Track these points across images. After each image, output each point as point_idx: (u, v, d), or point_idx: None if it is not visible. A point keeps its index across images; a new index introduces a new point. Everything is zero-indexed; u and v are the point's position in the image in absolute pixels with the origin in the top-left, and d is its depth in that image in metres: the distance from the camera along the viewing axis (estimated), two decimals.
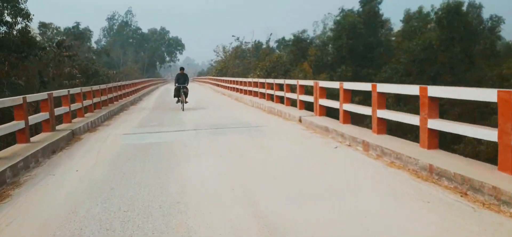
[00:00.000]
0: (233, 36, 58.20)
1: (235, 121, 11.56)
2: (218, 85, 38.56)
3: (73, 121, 11.31)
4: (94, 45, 61.49)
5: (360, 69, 29.11)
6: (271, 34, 63.42)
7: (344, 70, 28.20)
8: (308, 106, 12.00)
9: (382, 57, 30.48)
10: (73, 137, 9.40)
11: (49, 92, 9.74)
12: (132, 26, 78.27)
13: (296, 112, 11.77)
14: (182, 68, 16.69)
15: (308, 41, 40.17)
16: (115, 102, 18.80)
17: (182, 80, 15.90)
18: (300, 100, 12.50)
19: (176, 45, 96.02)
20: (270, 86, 17.18)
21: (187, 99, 15.77)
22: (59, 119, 10.59)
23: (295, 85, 13.30)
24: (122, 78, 42.92)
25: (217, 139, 8.70)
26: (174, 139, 8.80)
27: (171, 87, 48.91)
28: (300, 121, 10.75)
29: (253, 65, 57.24)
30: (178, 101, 16.06)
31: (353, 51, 30.55)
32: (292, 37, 42.11)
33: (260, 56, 58.80)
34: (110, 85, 18.47)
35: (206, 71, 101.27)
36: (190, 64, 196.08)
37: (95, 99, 15.05)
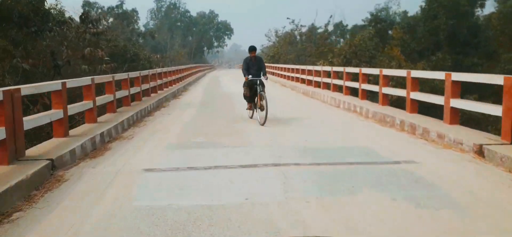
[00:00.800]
0: (287, 18, 52.74)
1: (346, 146, 6.57)
2: (272, 73, 33.69)
3: (72, 133, 6.85)
4: (142, 28, 58.68)
5: (462, 58, 22.77)
6: (331, 16, 57.30)
7: (440, 58, 22.19)
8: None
9: (489, 43, 23.85)
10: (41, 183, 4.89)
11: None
12: (180, 9, 74.89)
13: (444, 129, 6.60)
14: (253, 49, 9.12)
15: (387, 21, 33.74)
16: (152, 95, 14.50)
17: (255, 69, 8.97)
18: (453, 109, 7.22)
19: (224, 29, 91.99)
20: (366, 78, 12.00)
21: (265, 104, 8.53)
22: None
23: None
24: (167, 64, 39.27)
25: (334, 205, 3.84)
26: (240, 195, 4.08)
27: (219, 74, 44.67)
28: (481, 153, 5.55)
29: (309, 51, 51.90)
30: (251, 109, 9.36)
31: (453, 35, 24.13)
32: (369, 16, 35.99)
33: (318, 42, 53.23)
34: (144, 72, 14.12)
35: None
36: (237, 50, 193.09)
37: (121, 93, 10.67)
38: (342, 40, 60.56)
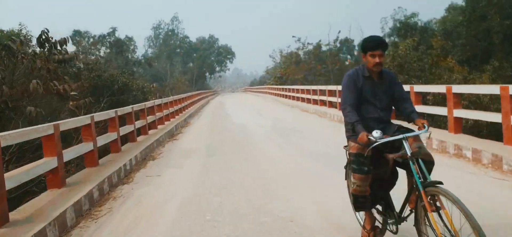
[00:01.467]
0: (293, 36, 49.23)
1: None
2: (283, 95, 29.74)
3: None
4: (140, 57, 55.27)
5: None
6: (339, 32, 53.58)
7: (495, 67, 18.09)
8: None
9: None
10: None
11: None
12: (179, 35, 71.57)
13: None
14: (378, 45, 3.19)
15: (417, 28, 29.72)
16: (139, 139, 10.46)
17: (383, 104, 3.32)
18: None
19: (226, 53, 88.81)
20: (458, 99, 7.92)
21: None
22: None
23: None
24: (166, 93, 35.49)
25: None
26: None
27: (224, 100, 40.62)
28: None
29: (319, 71, 48.12)
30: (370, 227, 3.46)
31: (507, 37, 20.01)
32: (398, 25, 32.22)
33: (325, 58, 49.48)
34: (126, 109, 10.12)
35: (258, 81, 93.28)
36: (239, 74, 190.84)
37: (79, 149, 6.63)
38: (348, 56, 56.99)
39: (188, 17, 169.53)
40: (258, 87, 60.65)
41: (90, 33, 41.52)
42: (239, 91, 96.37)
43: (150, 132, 12.33)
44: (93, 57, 38.40)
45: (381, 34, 43.10)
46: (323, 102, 17.78)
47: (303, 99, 21.81)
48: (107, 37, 39.38)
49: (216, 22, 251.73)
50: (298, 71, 50.53)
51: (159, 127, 13.83)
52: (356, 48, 57.81)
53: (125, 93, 19.15)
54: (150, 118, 12.65)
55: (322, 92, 18.02)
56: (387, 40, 28.72)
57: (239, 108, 23.41)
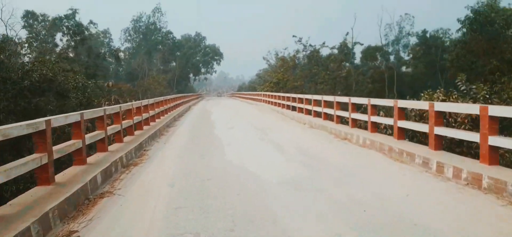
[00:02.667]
0: (294, 36, 42.12)
1: None
2: (285, 106, 22.60)
3: None
4: (106, 51, 47.29)
5: None
6: (347, 33, 46.78)
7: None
8: None
9: None
10: None
11: None
12: (161, 29, 63.59)
13: None
14: None
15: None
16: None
17: None
18: None
19: (213, 54, 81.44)
20: None
21: None
22: None
23: None
24: (136, 97, 28.03)
25: None
26: None
27: (209, 106, 33.17)
28: None
29: (323, 77, 41.16)
30: None
31: None
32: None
33: (328, 63, 42.52)
34: None
35: (247, 86, 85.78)
36: (225, 78, 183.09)
37: None
38: (347, 64, 49.88)
39: (173, 14, 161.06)
40: (247, 93, 53.23)
41: (46, 16, 33.56)
42: (226, 96, 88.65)
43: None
44: (50, 46, 30.63)
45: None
46: (378, 125, 10.63)
47: (328, 117, 14.64)
48: (65, 20, 31.51)
49: (202, 22, 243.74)
50: (298, 77, 43.57)
51: (83, 164, 6.47)
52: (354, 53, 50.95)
53: (46, 93, 11.65)
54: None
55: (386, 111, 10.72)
56: None
57: (232, 124, 16.10)
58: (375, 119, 10.53)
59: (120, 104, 10.41)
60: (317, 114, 15.96)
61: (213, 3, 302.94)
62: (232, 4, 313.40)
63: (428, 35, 58.85)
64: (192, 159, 8.38)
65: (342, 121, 13.41)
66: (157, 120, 16.21)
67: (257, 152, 9.13)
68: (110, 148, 8.80)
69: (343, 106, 13.57)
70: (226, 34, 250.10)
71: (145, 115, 13.66)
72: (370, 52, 52.90)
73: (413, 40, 67.73)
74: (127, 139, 10.51)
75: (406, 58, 61.07)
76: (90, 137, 7.82)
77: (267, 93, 32.81)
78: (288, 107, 22.27)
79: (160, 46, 64.60)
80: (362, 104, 12.58)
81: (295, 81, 41.89)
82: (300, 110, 18.80)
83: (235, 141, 10.97)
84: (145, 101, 14.18)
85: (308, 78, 44.35)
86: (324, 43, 42.89)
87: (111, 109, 9.83)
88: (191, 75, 73.14)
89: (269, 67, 52.74)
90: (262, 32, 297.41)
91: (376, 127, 10.64)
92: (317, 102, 16.29)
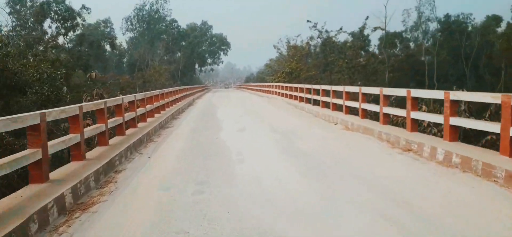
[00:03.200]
0: (308, 21, 38.30)
1: None
2: (299, 98, 19.31)
3: None
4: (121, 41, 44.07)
5: None
6: (367, 18, 42.86)
7: None
8: None
9: None
10: None
11: None
12: (166, 18, 59.98)
13: None
14: None
15: None
16: None
17: None
18: None
19: (220, 44, 77.93)
20: None
21: None
22: None
23: None
24: (132, 90, 24.86)
25: None
26: None
27: (214, 100, 29.64)
28: None
29: (340, 65, 37.46)
30: None
31: None
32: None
33: (346, 50, 38.81)
34: None
35: (256, 77, 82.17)
36: (232, 69, 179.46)
37: None
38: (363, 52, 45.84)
39: (179, 2, 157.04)
40: (257, 84, 49.79)
41: (35, 1, 30.26)
42: (233, 87, 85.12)
43: None
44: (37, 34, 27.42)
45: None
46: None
47: (367, 114, 11.24)
48: (54, 4, 28.13)
49: (208, 12, 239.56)
50: (311, 66, 39.98)
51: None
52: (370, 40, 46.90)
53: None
54: None
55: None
56: None
57: (242, 124, 12.75)
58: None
59: (81, 105, 7.06)
60: (349, 110, 12.56)
61: None
62: None
63: (451, 20, 54.74)
64: (181, 201, 5.00)
65: (393, 121, 10.02)
66: (149, 119, 12.92)
67: (284, 178, 5.76)
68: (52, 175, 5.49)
69: (375, 99, 10.49)
70: (232, 24, 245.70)
71: (130, 115, 10.35)
72: (388, 39, 48.99)
73: (433, 26, 63.64)
74: (94, 153, 7.21)
75: (427, 45, 57.05)
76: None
77: (280, 84, 29.35)
78: (307, 100, 18.86)
79: (164, 36, 61.21)
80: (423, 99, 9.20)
81: (308, 70, 38.32)
82: (324, 104, 15.38)
83: (249, 154, 7.60)
84: (129, 97, 10.83)
85: (322, 67, 40.72)
86: (341, 28, 38.87)
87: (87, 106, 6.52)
88: (197, 66, 69.71)
89: (279, 56, 49.10)
90: (270, 21, 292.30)
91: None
92: (350, 96, 12.87)
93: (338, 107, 13.85)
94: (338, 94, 14.28)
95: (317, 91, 17.03)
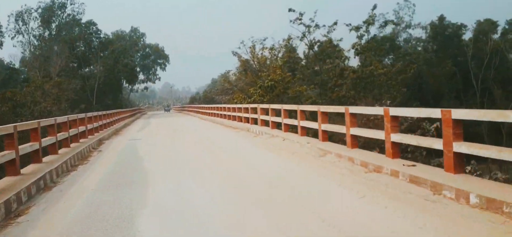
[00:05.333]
0: (290, 10, 24.78)
1: None
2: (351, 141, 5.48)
3: None
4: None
5: None
6: (375, 6, 30.43)
7: None
8: None
9: None
10: None
11: None
12: (76, 16, 43.23)
13: None
14: None
15: None
16: None
17: None
18: None
19: (156, 56, 62.40)
20: None
21: None
22: None
23: None
24: None
25: None
26: None
27: (145, 137, 15.11)
28: None
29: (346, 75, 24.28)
30: None
31: None
32: None
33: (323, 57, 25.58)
34: None
35: (201, 96, 67.20)
36: (171, 90, 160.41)
37: None
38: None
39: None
40: (207, 107, 34.31)
41: None
42: (174, 110, 68.91)
43: None
44: None
45: None
46: None
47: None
48: None
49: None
50: (297, 79, 26.48)
51: None
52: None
53: None
54: None
55: None
56: None
57: None
58: None
59: None
60: None
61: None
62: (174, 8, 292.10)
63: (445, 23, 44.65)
64: None
65: None
66: None
67: None
68: None
69: None
70: (170, 39, 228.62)
71: None
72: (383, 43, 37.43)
73: (416, 33, 53.86)
74: None
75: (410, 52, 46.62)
76: None
77: (261, 106, 15.43)
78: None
79: (77, 43, 44.31)
80: None
81: (293, 84, 24.90)
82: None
83: None
84: None
85: (309, 80, 27.47)
86: (336, 23, 25.91)
87: None
88: (125, 83, 53.36)
89: (236, 70, 34.85)
90: (211, 39, 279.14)
91: None
92: None
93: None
94: None
95: None
